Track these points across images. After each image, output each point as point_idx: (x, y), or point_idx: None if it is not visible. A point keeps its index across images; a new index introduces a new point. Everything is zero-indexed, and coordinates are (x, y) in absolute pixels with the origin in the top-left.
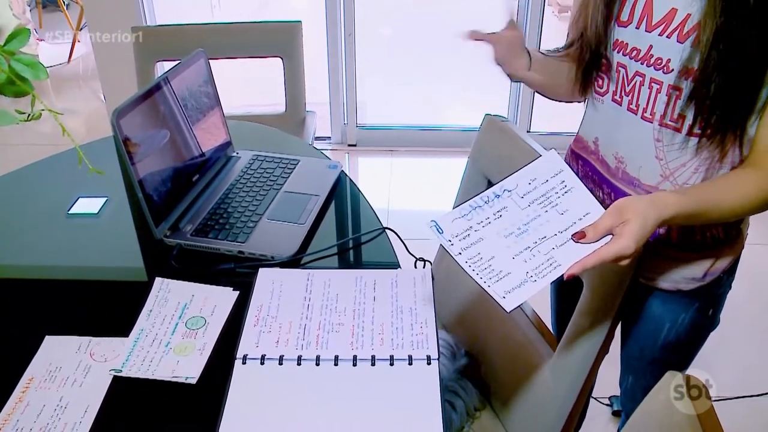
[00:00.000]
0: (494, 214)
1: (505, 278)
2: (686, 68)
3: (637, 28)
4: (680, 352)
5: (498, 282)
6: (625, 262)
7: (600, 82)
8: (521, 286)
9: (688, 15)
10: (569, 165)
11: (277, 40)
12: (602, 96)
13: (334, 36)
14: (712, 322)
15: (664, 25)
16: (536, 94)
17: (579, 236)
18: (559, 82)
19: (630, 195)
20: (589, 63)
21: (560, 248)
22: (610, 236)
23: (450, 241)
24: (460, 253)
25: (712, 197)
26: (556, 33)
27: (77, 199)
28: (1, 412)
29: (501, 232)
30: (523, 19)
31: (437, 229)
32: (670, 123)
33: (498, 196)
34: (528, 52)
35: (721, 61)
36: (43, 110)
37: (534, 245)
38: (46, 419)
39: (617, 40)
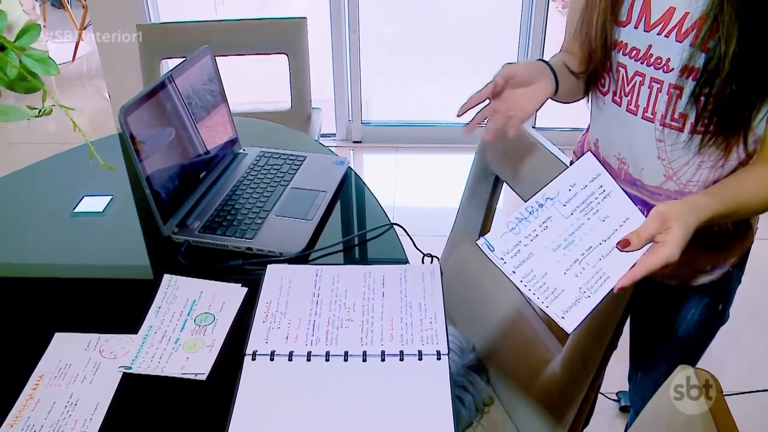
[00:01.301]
0: (540, 226)
1: (561, 296)
2: (687, 67)
3: (636, 27)
4: (690, 347)
5: (555, 301)
6: (668, 270)
7: (603, 81)
8: (577, 304)
9: (687, 13)
10: None
11: (282, 37)
12: (604, 96)
13: (338, 33)
14: (722, 317)
15: (662, 24)
16: None
17: (623, 245)
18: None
19: (635, 196)
20: (595, 65)
21: (607, 258)
22: (652, 243)
23: (502, 258)
24: (513, 272)
25: (740, 196)
26: (560, 29)
27: (82, 198)
28: (12, 410)
29: (549, 245)
30: (527, 16)
31: (488, 247)
32: (672, 123)
33: (541, 206)
34: (551, 69)
35: (737, 72)
36: (54, 106)
37: (582, 257)
38: (57, 416)
39: (616, 40)
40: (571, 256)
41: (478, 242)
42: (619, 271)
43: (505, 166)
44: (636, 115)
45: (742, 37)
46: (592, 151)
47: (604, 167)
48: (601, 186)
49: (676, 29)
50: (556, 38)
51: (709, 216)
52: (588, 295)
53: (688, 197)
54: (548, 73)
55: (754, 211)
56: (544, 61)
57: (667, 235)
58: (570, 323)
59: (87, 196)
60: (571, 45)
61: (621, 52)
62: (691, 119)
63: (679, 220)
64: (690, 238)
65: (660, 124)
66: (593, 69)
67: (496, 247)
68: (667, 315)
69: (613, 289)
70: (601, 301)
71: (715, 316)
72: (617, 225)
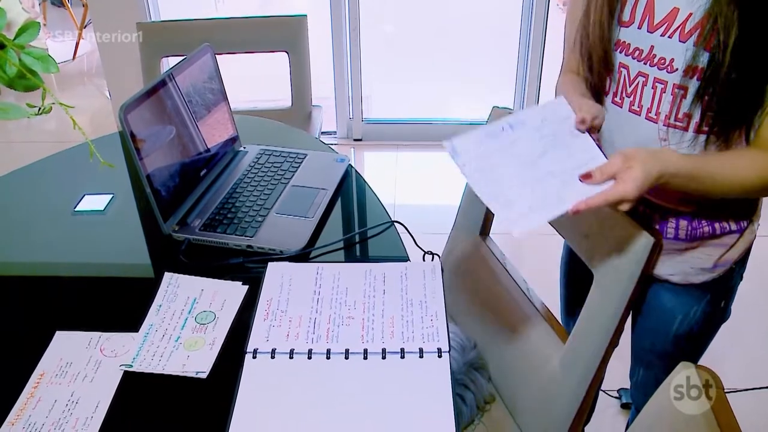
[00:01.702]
0: (508, 144)
1: (513, 205)
2: (691, 67)
3: (639, 28)
4: (692, 344)
5: (507, 209)
6: (624, 207)
7: (602, 82)
8: (529, 215)
9: (690, 14)
10: None
11: (282, 35)
12: (605, 96)
13: (338, 30)
14: (723, 314)
15: (666, 24)
16: (541, 86)
17: (585, 177)
18: None
19: None
20: (596, 67)
21: (566, 186)
22: (613, 181)
23: (464, 164)
24: (471, 176)
25: (715, 169)
26: (560, 26)
27: (83, 197)
28: (13, 408)
29: (512, 161)
30: (527, 13)
31: (453, 150)
32: (676, 123)
33: (512, 127)
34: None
35: (738, 62)
36: (53, 104)
37: (542, 179)
38: (58, 414)
39: (619, 40)
40: (531, 175)
41: (443, 143)
42: (576, 198)
43: None
44: (639, 115)
45: (742, 28)
46: None
47: None
48: (572, 129)
49: (679, 29)
50: (556, 37)
51: (673, 171)
52: (541, 211)
53: (659, 148)
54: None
55: (728, 189)
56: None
57: (627, 173)
58: (518, 227)
59: (88, 194)
60: (570, 61)
61: (623, 52)
62: (696, 118)
63: (640, 162)
64: (649, 186)
65: (664, 125)
66: (596, 71)
67: (460, 152)
68: (668, 312)
69: (568, 211)
70: (552, 219)
71: (717, 313)
72: (582, 162)
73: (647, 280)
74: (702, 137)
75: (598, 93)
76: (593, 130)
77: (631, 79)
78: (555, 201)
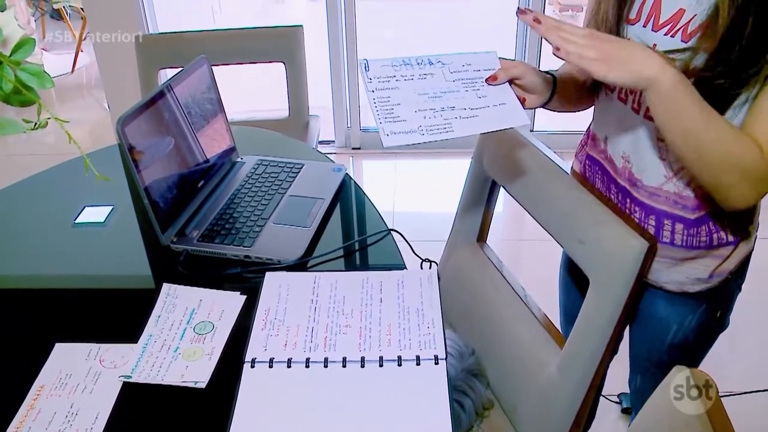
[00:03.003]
0: (420, 75)
1: (399, 123)
2: (687, 67)
3: (644, 26)
4: (688, 353)
5: (390, 123)
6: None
7: None
8: (408, 133)
9: (695, 16)
10: (583, 169)
11: (279, 45)
12: (612, 92)
13: (335, 39)
14: (720, 324)
15: (670, 24)
16: None
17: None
18: (581, 99)
19: (634, 195)
20: None
21: (461, 119)
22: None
23: (371, 79)
24: (372, 91)
25: (714, 114)
26: None
27: (83, 209)
28: (13, 420)
29: (418, 90)
30: (524, 22)
31: (365, 67)
32: None
33: (431, 63)
34: (553, 81)
35: (717, 59)
36: (49, 119)
37: (440, 110)
38: (58, 426)
39: (624, 37)
40: (431, 104)
41: (360, 60)
42: (466, 132)
43: (501, 170)
44: (638, 113)
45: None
46: (600, 149)
47: (609, 165)
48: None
49: (682, 30)
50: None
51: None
52: (422, 133)
53: None
54: (547, 90)
55: (712, 147)
56: (554, 77)
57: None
58: (389, 141)
59: (88, 206)
60: None
61: None
62: None
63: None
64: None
65: None
66: None
67: (371, 69)
68: (663, 321)
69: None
70: (429, 141)
71: (713, 322)
72: (491, 104)
73: (643, 287)
74: None
75: (596, 83)
76: (515, 84)
77: None
78: (441, 128)
